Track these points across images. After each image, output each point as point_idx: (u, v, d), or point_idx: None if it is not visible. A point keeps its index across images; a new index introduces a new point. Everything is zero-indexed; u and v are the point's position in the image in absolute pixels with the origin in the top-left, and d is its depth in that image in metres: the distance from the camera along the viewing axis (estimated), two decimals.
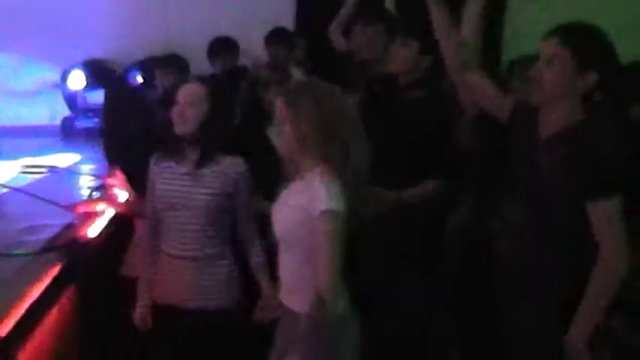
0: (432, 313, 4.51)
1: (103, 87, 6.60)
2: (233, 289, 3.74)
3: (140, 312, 3.73)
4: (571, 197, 3.05)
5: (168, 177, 3.69)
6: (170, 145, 3.74)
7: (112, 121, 5.09)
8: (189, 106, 3.61)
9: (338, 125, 2.96)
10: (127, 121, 5.10)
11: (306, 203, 2.90)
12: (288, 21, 7.39)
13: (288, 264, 3.11)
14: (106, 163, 4.88)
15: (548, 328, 3.16)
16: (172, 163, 3.71)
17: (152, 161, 3.78)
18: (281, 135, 3.07)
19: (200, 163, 3.64)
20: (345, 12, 5.78)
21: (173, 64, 5.80)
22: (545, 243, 3.19)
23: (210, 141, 3.64)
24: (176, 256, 3.68)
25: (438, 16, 3.72)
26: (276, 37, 6.52)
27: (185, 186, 3.64)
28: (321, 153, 2.96)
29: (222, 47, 6.41)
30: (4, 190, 4.93)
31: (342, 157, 2.94)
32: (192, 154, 3.67)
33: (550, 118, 3.18)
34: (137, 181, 4.00)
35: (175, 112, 3.62)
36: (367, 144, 3.03)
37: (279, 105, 3.05)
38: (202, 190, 3.61)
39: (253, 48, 6.58)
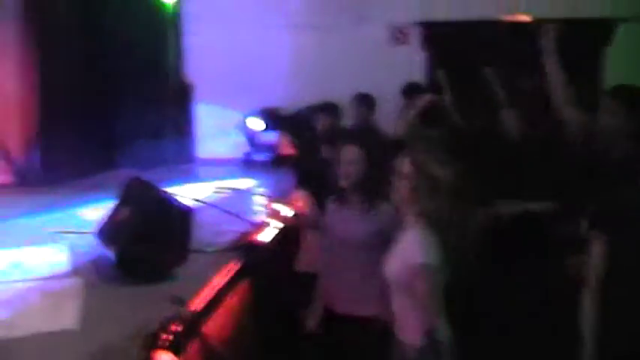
0: None
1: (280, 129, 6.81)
2: None
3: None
4: None
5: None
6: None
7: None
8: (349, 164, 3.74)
9: (441, 187, 2.98)
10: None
11: (409, 255, 2.96)
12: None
13: (398, 304, 3.12)
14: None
15: None
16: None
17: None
18: (396, 184, 3.11)
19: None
20: None
21: (329, 110, 5.93)
22: None
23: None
24: None
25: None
26: (412, 89, 6.49)
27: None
28: (422, 208, 2.99)
29: (362, 102, 6.38)
30: (200, 204, 5.18)
31: (440, 215, 2.97)
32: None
33: None
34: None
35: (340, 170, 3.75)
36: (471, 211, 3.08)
37: (401, 160, 3.10)
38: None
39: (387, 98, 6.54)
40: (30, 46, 6.75)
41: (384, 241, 3.50)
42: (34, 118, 6.73)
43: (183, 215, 3.61)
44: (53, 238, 4.53)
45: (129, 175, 4.16)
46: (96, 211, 4.85)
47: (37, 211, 5.33)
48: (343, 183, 3.76)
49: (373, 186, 3.68)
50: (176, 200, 3.66)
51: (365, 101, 6.29)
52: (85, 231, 4.47)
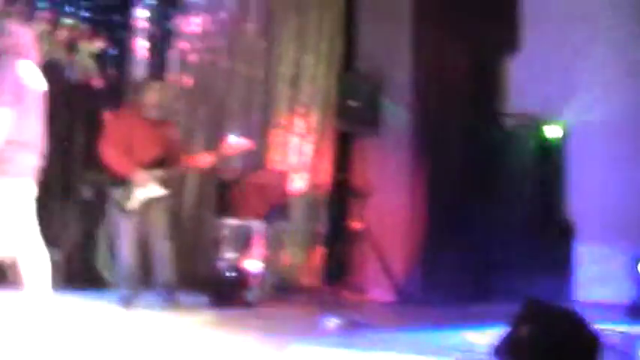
0: None
1: None
2: None
3: None
4: None
5: None
6: None
7: None
8: None
9: None
10: None
11: None
12: None
13: None
14: None
15: None
16: None
17: None
18: None
19: None
20: None
21: None
22: None
23: None
24: None
25: None
26: None
27: None
28: None
29: None
30: None
31: None
32: None
33: None
34: None
35: None
36: None
37: None
38: None
39: None
40: (420, 174, 7.41)
41: None
42: (418, 241, 7.14)
43: (593, 340, 3.39)
44: (442, 353, 4.61)
45: (506, 308, 4.08)
46: (479, 335, 4.92)
47: (420, 328, 5.55)
48: None
49: None
50: (586, 322, 3.46)
51: None
52: (473, 350, 4.58)
